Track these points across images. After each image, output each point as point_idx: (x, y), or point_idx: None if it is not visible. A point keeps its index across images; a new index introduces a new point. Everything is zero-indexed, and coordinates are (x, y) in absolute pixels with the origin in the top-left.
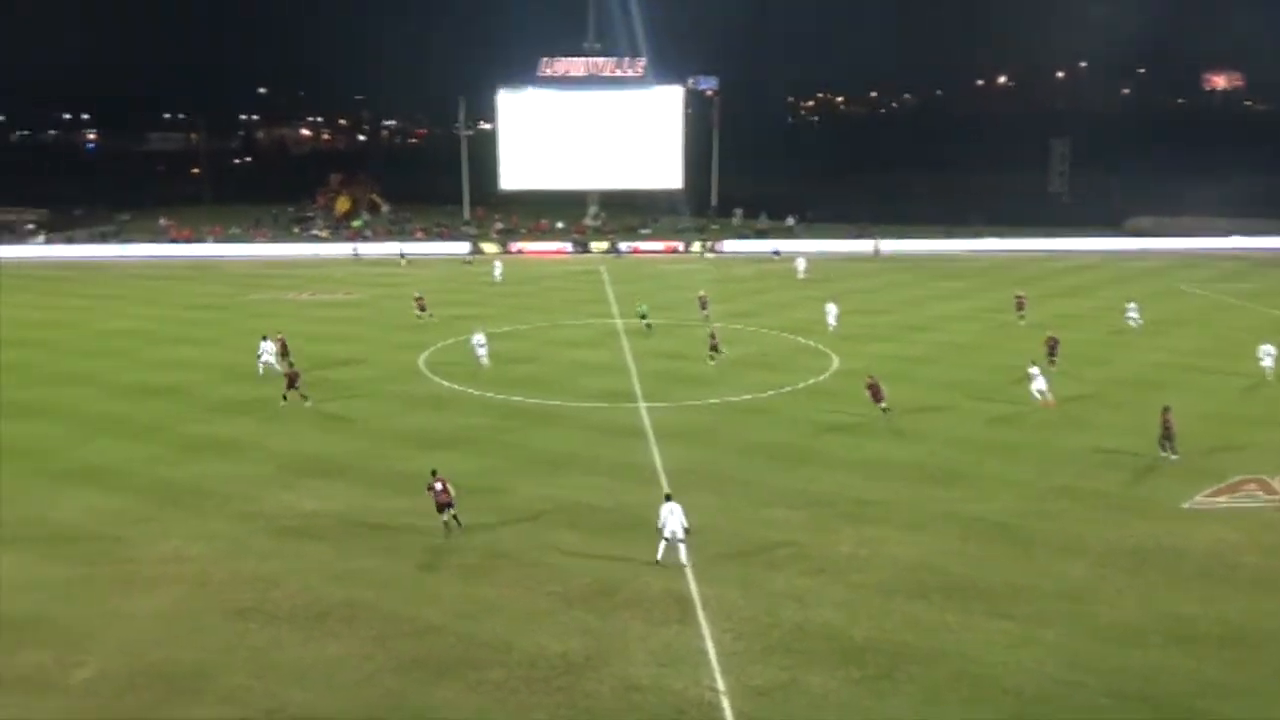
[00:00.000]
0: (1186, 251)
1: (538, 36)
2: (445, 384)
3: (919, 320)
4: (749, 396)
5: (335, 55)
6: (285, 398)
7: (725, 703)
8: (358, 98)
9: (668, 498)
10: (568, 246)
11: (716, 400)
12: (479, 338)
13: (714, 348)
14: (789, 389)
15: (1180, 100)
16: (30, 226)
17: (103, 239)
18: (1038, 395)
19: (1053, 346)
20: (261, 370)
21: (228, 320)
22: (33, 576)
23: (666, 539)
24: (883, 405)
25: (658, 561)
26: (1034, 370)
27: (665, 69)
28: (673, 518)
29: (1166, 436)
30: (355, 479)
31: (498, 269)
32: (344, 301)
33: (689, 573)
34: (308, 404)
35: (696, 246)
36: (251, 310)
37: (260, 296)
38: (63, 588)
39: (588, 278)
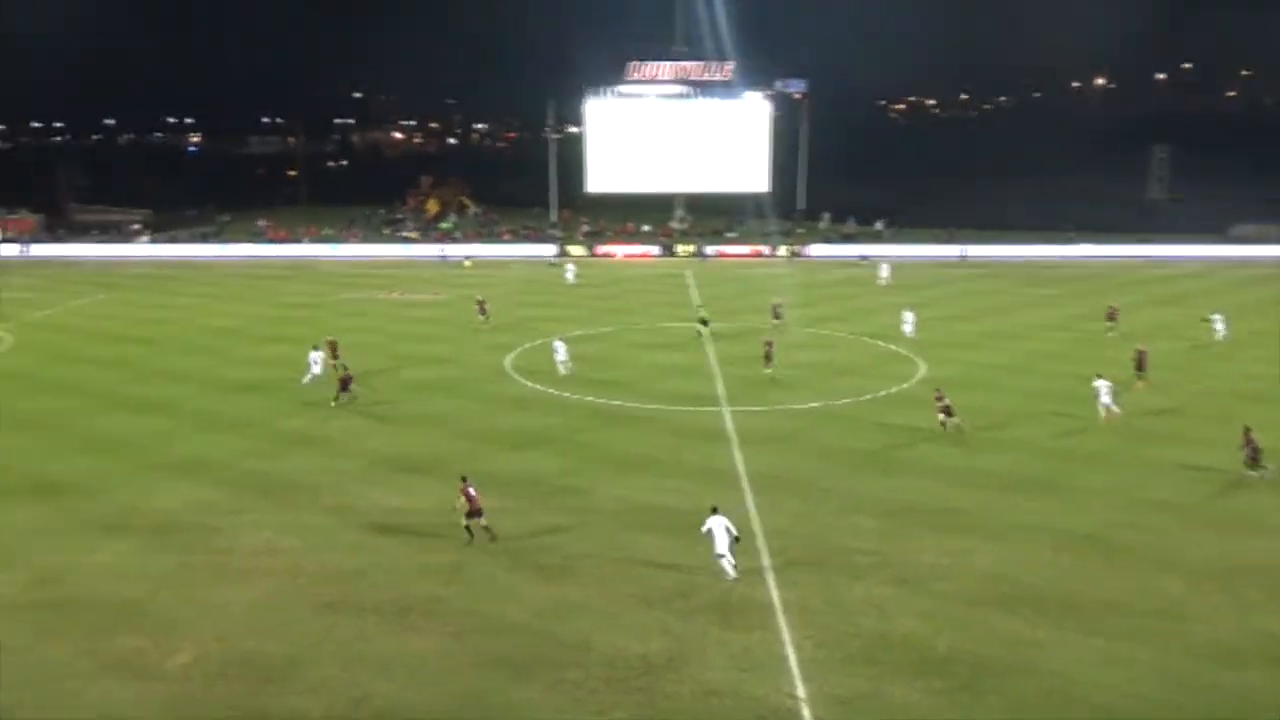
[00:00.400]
0: None
1: (625, 40)
2: (530, 385)
3: (1008, 328)
4: (834, 402)
5: (428, 60)
6: (336, 399)
7: (805, 710)
8: (449, 101)
9: (714, 510)
10: (653, 249)
11: (801, 405)
12: (559, 344)
13: (768, 356)
14: (874, 395)
15: None
16: (136, 227)
17: (204, 239)
18: (1103, 410)
19: (1141, 359)
20: (307, 379)
21: (320, 319)
22: (134, 564)
23: (719, 554)
24: (945, 419)
25: (733, 579)
26: (1099, 384)
27: (753, 72)
28: (720, 532)
29: (1253, 456)
30: (441, 476)
31: (570, 271)
32: (432, 302)
33: (770, 578)
34: (338, 402)
35: (782, 250)
36: (342, 309)
37: (351, 296)
38: (161, 576)
39: (672, 281)
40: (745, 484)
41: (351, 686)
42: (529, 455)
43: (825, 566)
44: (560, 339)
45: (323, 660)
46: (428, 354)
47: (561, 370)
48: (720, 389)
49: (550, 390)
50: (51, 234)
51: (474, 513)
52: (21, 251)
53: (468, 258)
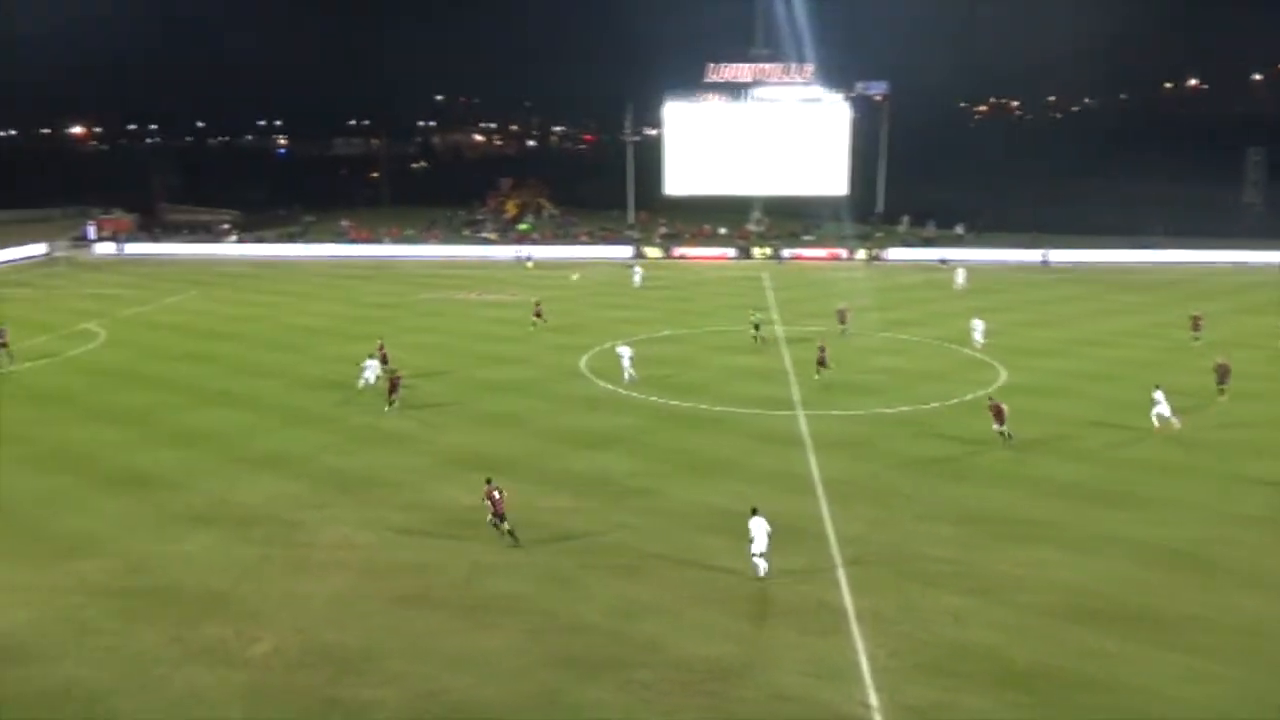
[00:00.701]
0: None
1: (705, 42)
2: (605, 385)
3: (1091, 334)
4: (911, 408)
5: (507, 64)
6: (391, 403)
7: (877, 719)
8: (527, 104)
9: (754, 511)
10: (730, 251)
11: (878, 411)
12: (625, 349)
13: (821, 362)
14: (953, 401)
15: None
16: (225, 226)
17: (289, 239)
18: (1157, 420)
19: (1223, 373)
20: (361, 385)
21: (400, 318)
22: (219, 555)
23: (757, 553)
24: (1002, 429)
25: (759, 578)
26: (1158, 394)
27: (833, 73)
28: (760, 534)
29: None
30: (514, 475)
31: (637, 275)
32: (510, 302)
33: (843, 584)
34: (389, 409)
35: (860, 254)
36: (422, 309)
37: (430, 296)
38: (244, 567)
39: (749, 283)
40: (820, 489)
41: (424, 680)
42: (601, 455)
43: (900, 574)
44: (625, 344)
45: (397, 653)
46: (503, 354)
47: (628, 375)
48: (795, 393)
49: (623, 392)
50: (145, 233)
51: (498, 515)
52: (117, 250)
53: (529, 259)
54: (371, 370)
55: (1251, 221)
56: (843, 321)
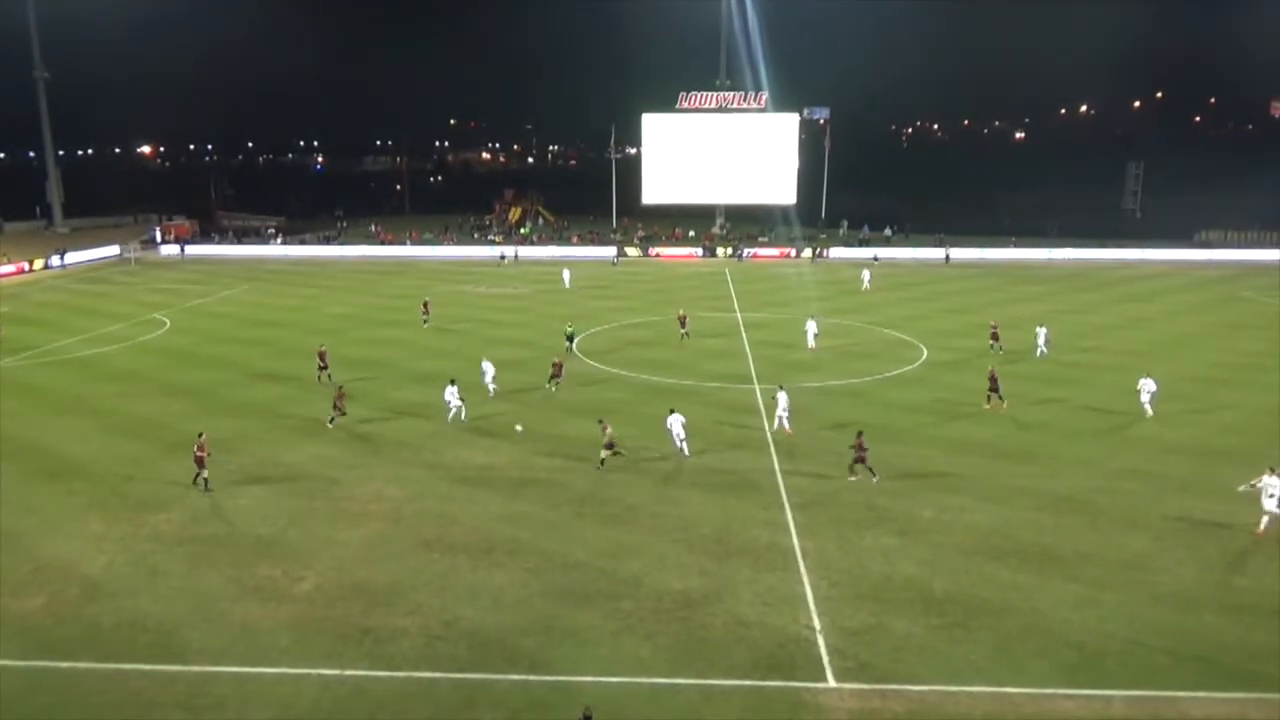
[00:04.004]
0: (1250, 262)
1: (677, 75)
2: (594, 364)
3: (997, 318)
4: (848, 381)
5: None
6: (332, 420)
7: (820, 640)
8: (527, 127)
9: (671, 411)
10: (698, 251)
11: (820, 384)
12: (488, 365)
13: (682, 324)
14: (883, 376)
15: (1250, 126)
16: (271, 230)
17: (326, 241)
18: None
19: (994, 382)
20: (493, 392)
21: (419, 309)
22: (270, 507)
23: (679, 439)
24: (999, 394)
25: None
26: (1146, 381)
27: (784, 100)
28: (677, 427)
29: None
30: (518, 440)
31: (566, 276)
32: (512, 294)
33: (792, 528)
34: (332, 424)
35: (807, 253)
36: (439, 299)
37: (446, 288)
38: (290, 517)
39: (714, 278)
40: (772, 449)
41: (442, 610)
42: (591, 423)
43: (840, 520)
44: (487, 360)
45: (420, 588)
46: (508, 337)
47: (490, 393)
48: (752, 369)
49: (611, 369)
50: (204, 236)
51: (609, 445)
52: (180, 251)
53: (504, 257)
54: (490, 374)
55: (1130, 224)
56: (683, 326)
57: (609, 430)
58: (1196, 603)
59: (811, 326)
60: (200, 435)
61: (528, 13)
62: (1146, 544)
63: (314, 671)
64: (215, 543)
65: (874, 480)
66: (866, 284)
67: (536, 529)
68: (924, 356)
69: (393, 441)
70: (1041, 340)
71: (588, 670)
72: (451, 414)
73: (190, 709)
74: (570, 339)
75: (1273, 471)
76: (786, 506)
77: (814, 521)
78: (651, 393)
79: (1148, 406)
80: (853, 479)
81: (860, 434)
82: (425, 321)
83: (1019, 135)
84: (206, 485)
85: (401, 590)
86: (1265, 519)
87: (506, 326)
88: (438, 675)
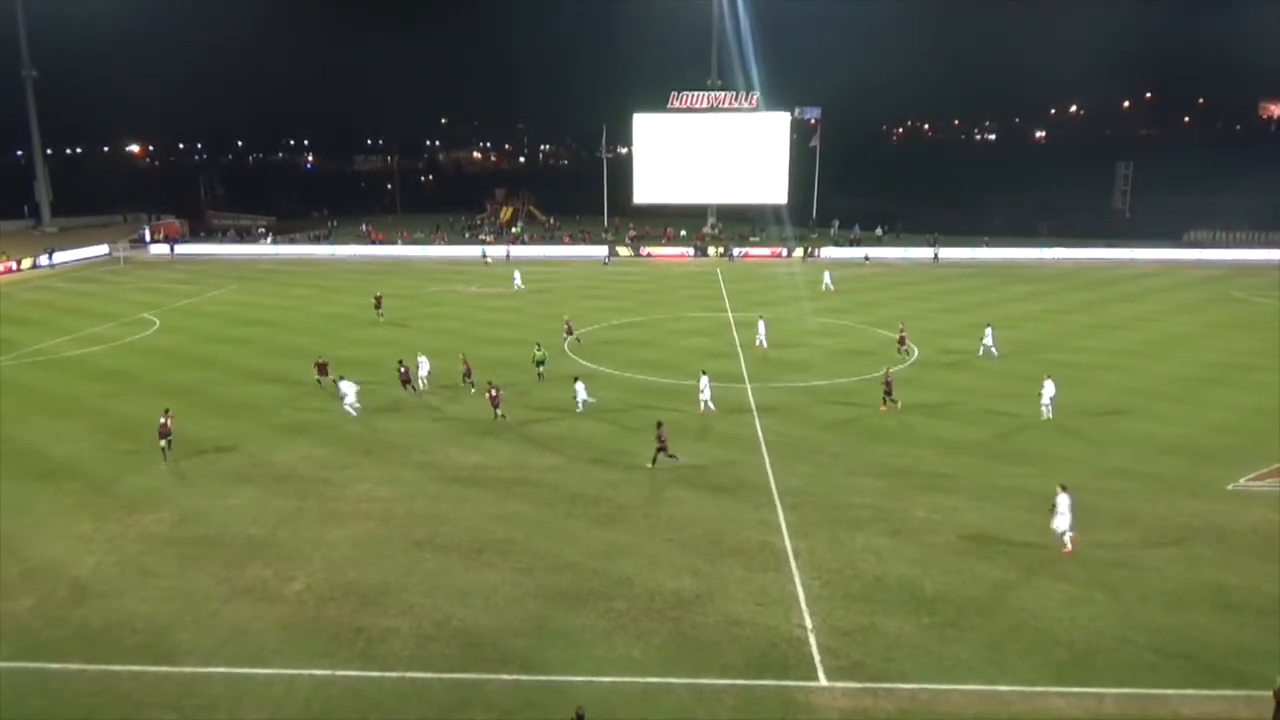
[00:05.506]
0: (1239, 262)
1: (668, 75)
2: (586, 363)
3: (989, 318)
4: (840, 381)
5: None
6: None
7: (812, 639)
8: (519, 126)
9: (702, 372)
10: (689, 251)
11: (811, 383)
12: (347, 385)
13: (569, 330)
14: (874, 375)
15: (1238, 127)
16: (261, 230)
17: (317, 240)
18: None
19: (889, 385)
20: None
21: (412, 307)
22: (259, 507)
23: (703, 398)
24: (892, 397)
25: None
26: (1048, 382)
27: (775, 100)
28: (705, 389)
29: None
30: (511, 440)
31: (517, 278)
32: (503, 294)
33: (784, 528)
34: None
35: (798, 252)
36: (430, 299)
37: (437, 288)
38: (281, 517)
39: (706, 278)
40: (764, 449)
41: (434, 611)
42: (586, 423)
43: (831, 519)
44: (348, 379)
45: (411, 588)
46: (498, 337)
47: (352, 411)
48: (743, 368)
49: (601, 368)
50: (194, 235)
51: (661, 448)
52: (169, 250)
53: (486, 256)
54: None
55: (1120, 224)
56: (570, 332)
57: (663, 432)
58: (1185, 601)
59: (761, 326)
60: (167, 411)
61: (520, 12)
62: (1136, 543)
63: (306, 672)
64: (205, 543)
65: (653, 464)
66: (828, 285)
67: (528, 529)
68: (915, 355)
69: (383, 442)
70: (989, 340)
71: (580, 670)
72: (351, 410)
73: (181, 710)
74: (540, 364)
75: (1063, 489)
76: (779, 506)
77: (806, 521)
78: (642, 392)
79: (1047, 410)
80: (649, 466)
81: (660, 424)
82: (380, 317)
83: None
84: (166, 455)
85: (393, 590)
86: (1064, 536)
87: (497, 326)
88: (430, 675)
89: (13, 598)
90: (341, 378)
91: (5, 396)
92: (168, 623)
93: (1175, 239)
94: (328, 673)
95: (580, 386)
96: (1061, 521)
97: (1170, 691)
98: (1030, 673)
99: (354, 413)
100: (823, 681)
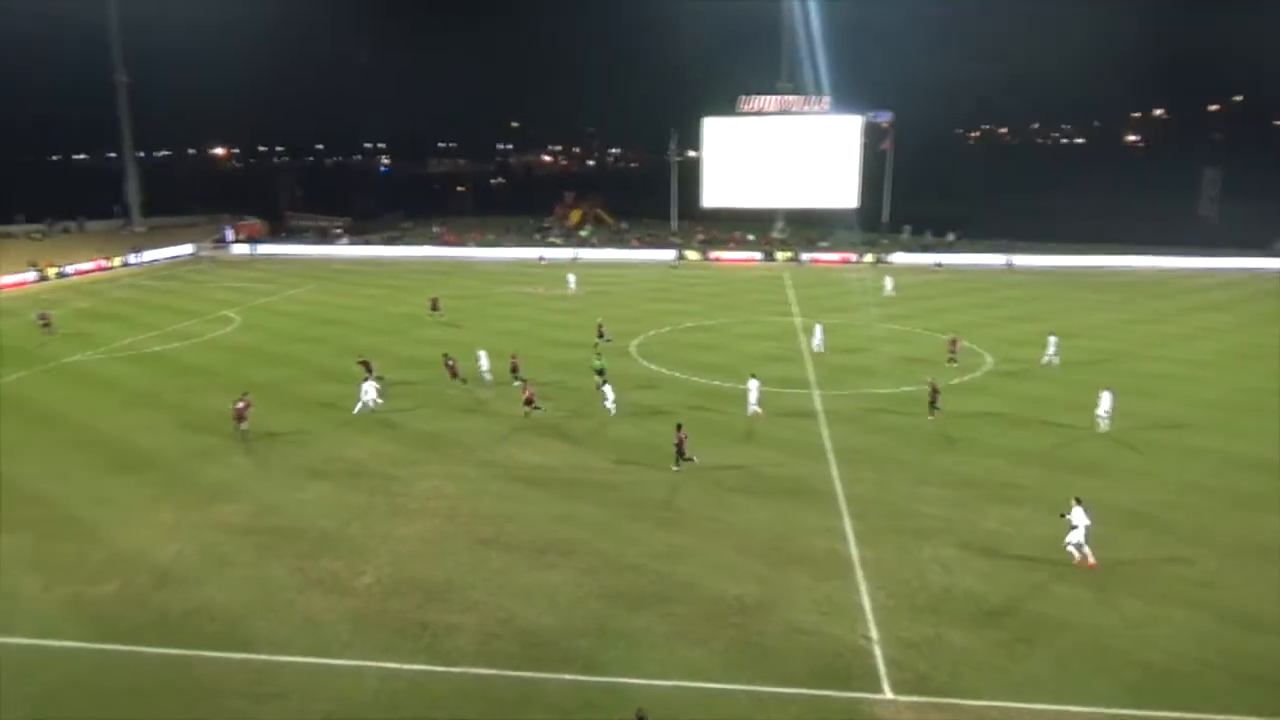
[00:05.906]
0: None
1: (739, 78)
2: (650, 366)
3: (1061, 327)
4: (909, 388)
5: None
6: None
7: (878, 651)
8: (589, 130)
9: (751, 375)
10: (757, 255)
11: (881, 390)
12: (367, 386)
13: (600, 334)
14: (945, 383)
15: None
16: (337, 231)
17: (390, 242)
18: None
19: (935, 393)
20: (488, 382)
21: (481, 308)
22: (333, 502)
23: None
24: (937, 405)
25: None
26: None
27: (847, 103)
28: (753, 392)
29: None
30: (574, 440)
31: (571, 281)
32: (570, 296)
33: (850, 536)
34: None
35: (869, 257)
36: (498, 300)
37: (506, 290)
38: (352, 512)
39: (773, 282)
40: (830, 456)
41: (498, 609)
42: (651, 424)
43: (899, 529)
44: (369, 380)
45: (476, 585)
46: (564, 339)
47: (370, 406)
48: (811, 374)
49: (666, 371)
50: (273, 236)
51: (679, 450)
52: (250, 250)
53: (543, 258)
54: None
55: (1207, 232)
56: (601, 336)
57: (682, 434)
58: (1264, 624)
59: (818, 331)
60: (245, 394)
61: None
62: (1213, 561)
63: (373, 664)
64: (280, 534)
65: (678, 466)
66: (889, 291)
67: (591, 530)
68: (987, 364)
69: (449, 440)
70: (1052, 350)
71: (641, 673)
72: (358, 407)
73: (252, 697)
74: (600, 373)
75: (1078, 502)
76: (845, 514)
77: (873, 530)
78: (707, 396)
79: (1104, 421)
80: (674, 469)
81: (680, 426)
82: (440, 317)
83: (1089, 139)
84: (246, 436)
85: (458, 587)
86: (1080, 549)
87: (563, 328)
88: (493, 672)
89: (98, 583)
90: (366, 379)
91: (94, 390)
92: (244, 611)
93: (1265, 248)
94: (394, 666)
95: (608, 389)
96: (1075, 535)
97: (1244, 719)
98: (1103, 693)
99: (374, 406)
100: (888, 694)
